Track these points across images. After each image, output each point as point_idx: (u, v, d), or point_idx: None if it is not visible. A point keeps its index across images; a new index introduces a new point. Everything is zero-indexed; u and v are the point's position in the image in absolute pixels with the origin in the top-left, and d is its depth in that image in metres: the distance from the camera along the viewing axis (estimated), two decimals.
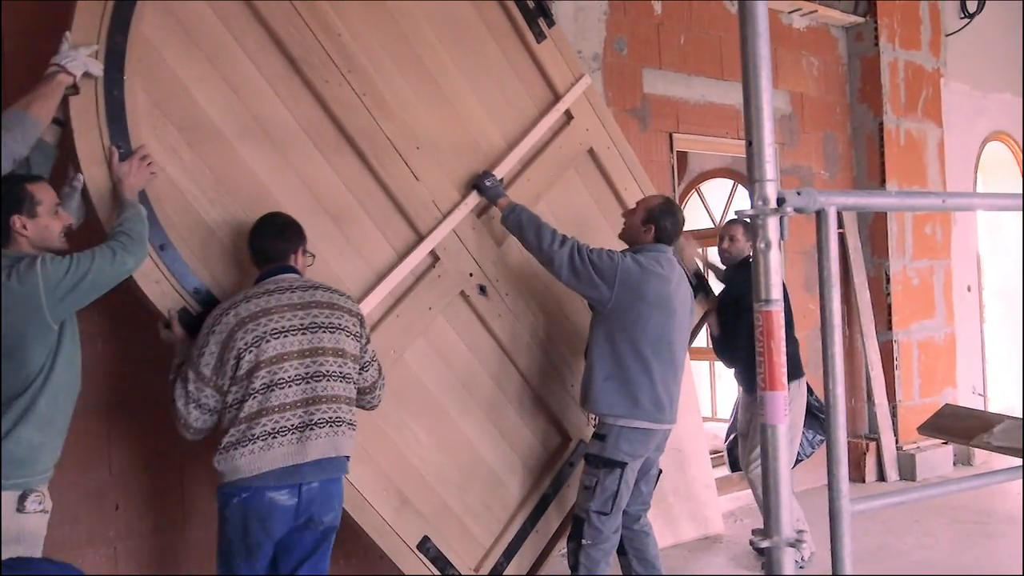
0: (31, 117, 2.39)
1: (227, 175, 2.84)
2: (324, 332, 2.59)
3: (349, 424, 2.63)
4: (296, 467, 2.52)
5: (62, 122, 2.58)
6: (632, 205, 3.52)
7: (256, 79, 2.90)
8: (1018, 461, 2.00)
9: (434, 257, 3.22)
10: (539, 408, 3.51)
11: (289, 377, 2.52)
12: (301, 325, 2.56)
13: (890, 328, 5.86)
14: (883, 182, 5.87)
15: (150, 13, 2.68)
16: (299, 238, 2.75)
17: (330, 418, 2.57)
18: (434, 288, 3.21)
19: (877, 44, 5.87)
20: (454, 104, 3.35)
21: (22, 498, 2.30)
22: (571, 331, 3.61)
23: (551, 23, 3.59)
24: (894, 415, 5.84)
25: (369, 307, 3.02)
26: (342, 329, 2.63)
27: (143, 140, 2.65)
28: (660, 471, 3.43)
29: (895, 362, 5.85)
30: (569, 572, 3.19)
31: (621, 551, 3.34)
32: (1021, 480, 1.92)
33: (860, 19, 5.89)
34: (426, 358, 3.21)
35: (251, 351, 2.49)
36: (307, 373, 2.55)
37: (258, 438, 2.49)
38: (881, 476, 5.76)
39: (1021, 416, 4.78)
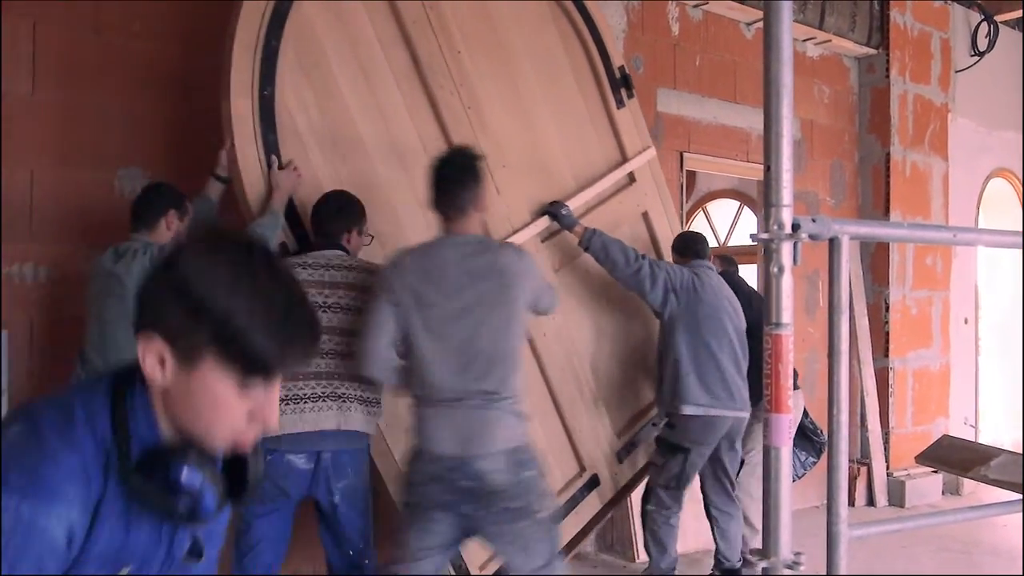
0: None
1: (343, 140, 3.11)
2: (338, 313, 2.68)
3: (361, 401, 2.70)
4: (307, 434, 2.62)
5: (225, 179, 2.94)
6: None
7: (384, 68, 3.23)
8: (1013, 495, 2.05)
9: None
10: (562, 433, 3.61)
11: None
12: (322, 303, 2.67)
13: (887, 355, 5.92)
14: (887, 211, 5.95)
15: None
16: (356, 219, 2.85)
17: (331, 393, 2.65)
18: None
19: (888, 76, 5.96)
20: (538, 138, 3.71)
21: None
22: (605, 366, 3.80)
23: (631, 95, 4.05)
24: (886, 441, 5.90)
25: None
26: (356, 311, 2.69)
27: (284, 93, 2.94)
28: (743, 461, 3.94)
29: (890, 389, 5.91)
30: None
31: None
32: (1017, 514, 1.97)
33: (873, 51, 5.97)
34: None
35: None
36: (321, 349, 2.62)
37: None
38: (871, 501, 5.81)
39: (1020, 449, 4.85)
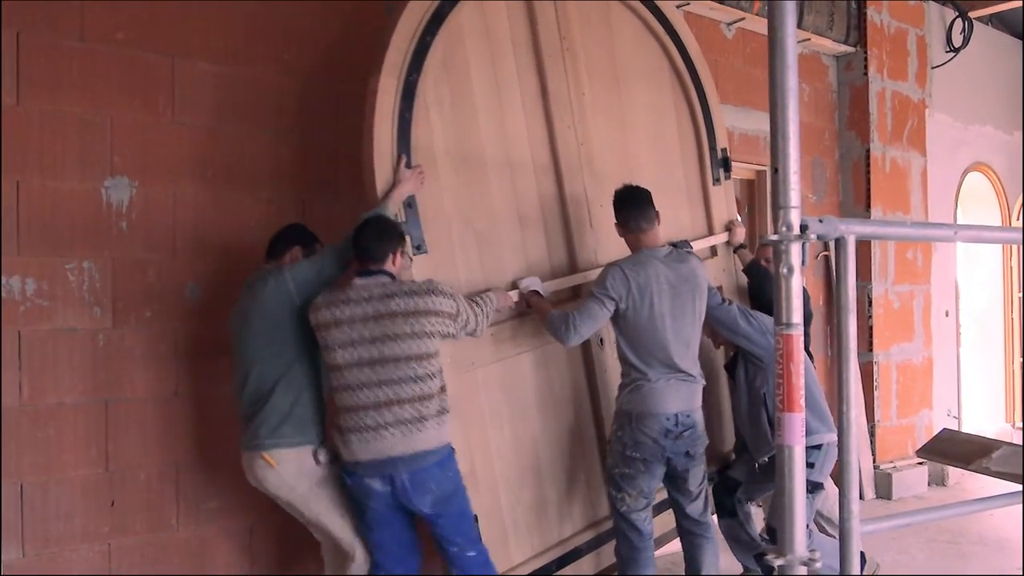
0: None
1: (466, 140, 3.37)
2: (397, 342, 2.72)
3: (432, 416, 2.74)
4: (378, 461, 2.72)
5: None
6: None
7: (515, 87, 3.54)
8: (1013, 486, 2.08)
9: (576, 292, 3.62)
10: (604, 471, 3.59)
11: (359, 382, 2.73)
12: (371, 336, 2.72)
13: (871, 349, 5.99)
14: (868, 207, 6.01)
15: (469, 7, 3.37)
16: (399, 240, 2.89)
17: (401, 419, 2.71)
18: None
19: (866, 74, 6.03)
20: None
21: (315, 453, 2.90)
22: None
23: (728, 176, 4.37)
24: (872, 434, 5.97)
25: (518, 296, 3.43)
26: (415, 335, 2.73)
27: (426, 84, 3.20)
28: None
29: (875, 383, 5.98)
30: None
31: None
32: (1014, 505, 2.00)
33: (851, 49, 6.04)
34: (539, 368, 3.48)
35: (326, 353, 2.81)
36: (377, 380, 2.72)
37: (344, 431, 2.78)
38: (859, 494, 5.87)
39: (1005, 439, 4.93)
